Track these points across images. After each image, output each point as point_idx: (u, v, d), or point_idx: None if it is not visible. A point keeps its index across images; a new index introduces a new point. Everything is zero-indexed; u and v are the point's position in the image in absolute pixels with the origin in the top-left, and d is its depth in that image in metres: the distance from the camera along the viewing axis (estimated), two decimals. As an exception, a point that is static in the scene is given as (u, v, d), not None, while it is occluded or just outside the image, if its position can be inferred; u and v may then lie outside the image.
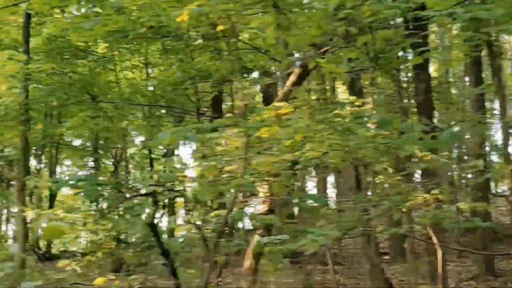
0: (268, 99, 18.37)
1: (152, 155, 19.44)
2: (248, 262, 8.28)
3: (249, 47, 9.71)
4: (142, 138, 23.44)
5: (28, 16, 13.12)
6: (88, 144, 22.06)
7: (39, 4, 10.83)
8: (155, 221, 5.01)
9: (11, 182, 19.98)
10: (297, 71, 9.25)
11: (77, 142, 22.59)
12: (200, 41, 9.06)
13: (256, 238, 8.26)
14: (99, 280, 6.06)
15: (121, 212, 4.76)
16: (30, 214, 5.42)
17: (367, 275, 12.07)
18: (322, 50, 8.34)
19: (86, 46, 13.91)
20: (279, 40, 11.81)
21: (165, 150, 22.52)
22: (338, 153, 5.67)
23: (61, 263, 6.55)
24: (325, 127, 5.00)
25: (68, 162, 24.87)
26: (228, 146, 5.74)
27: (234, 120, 4.95)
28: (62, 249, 18.30)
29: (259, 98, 22.05)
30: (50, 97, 12.79)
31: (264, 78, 15.68)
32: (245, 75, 12.60)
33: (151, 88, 14.11)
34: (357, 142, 5.51)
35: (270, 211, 8.19)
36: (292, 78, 9.12)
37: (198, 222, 5.49)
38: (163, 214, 5.38)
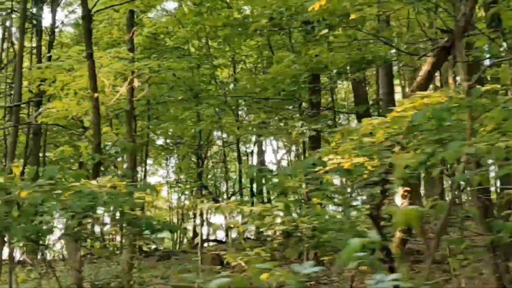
0: (359, 95, 17.99)
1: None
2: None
3: (370, 37, 9.37)
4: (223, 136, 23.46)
5: (132, 14, 13.15)
6: (167, 142, 22.18)
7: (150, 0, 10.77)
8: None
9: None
10: (430, 60, 8.91)
11: (159, 141, 22.72)
12: (325, 31, 8.75)
13: (399, 235, 7.94)
14: (263, 276, 5.85)
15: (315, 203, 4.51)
16: (205, 207, 5.25)
17: (482, 276, 11.54)
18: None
19: (185, 42, 13.88)
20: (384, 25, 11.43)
21: (249, 149, 22.47)
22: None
23: (229, 257, 6.34)
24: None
25: (149, 160, 25.08)
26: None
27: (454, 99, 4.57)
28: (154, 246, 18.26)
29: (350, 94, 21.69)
30: (159, 95, 12.75)
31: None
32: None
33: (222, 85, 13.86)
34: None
35: (411, 205, 7.83)
36: (427, 66, 8.79)
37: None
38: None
